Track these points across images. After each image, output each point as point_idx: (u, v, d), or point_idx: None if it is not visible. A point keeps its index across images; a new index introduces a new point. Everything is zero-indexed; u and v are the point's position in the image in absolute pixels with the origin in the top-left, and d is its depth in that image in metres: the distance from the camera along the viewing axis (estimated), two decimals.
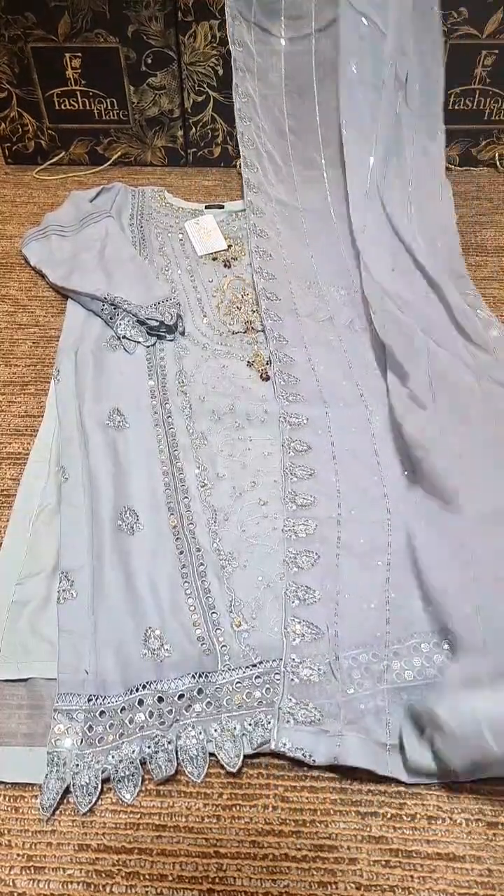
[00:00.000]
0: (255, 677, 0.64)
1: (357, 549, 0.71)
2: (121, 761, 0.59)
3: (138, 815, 0.58)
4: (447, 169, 1.31)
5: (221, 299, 1.02)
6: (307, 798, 0.59)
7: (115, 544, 0.71)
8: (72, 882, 0.55)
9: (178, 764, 0.60)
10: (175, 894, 0.54)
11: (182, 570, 0.70)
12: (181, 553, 0.71)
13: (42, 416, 0.88)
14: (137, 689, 0.62)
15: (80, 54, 1.20)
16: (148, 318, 0.93)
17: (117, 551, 0.71)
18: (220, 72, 1.20)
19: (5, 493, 0.80)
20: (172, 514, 0.75)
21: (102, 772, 0.59)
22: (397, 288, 0.94)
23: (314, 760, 0.59)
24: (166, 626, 0.66)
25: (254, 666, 0.64)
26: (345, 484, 0.77)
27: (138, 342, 0.93)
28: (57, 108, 1.27)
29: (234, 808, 0.58)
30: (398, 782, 0.59)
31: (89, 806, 0.57)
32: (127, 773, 0.59)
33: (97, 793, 0.58)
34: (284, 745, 0.59)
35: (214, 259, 1.09)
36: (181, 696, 0.62)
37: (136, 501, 0.75)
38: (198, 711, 0.62)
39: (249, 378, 0.91)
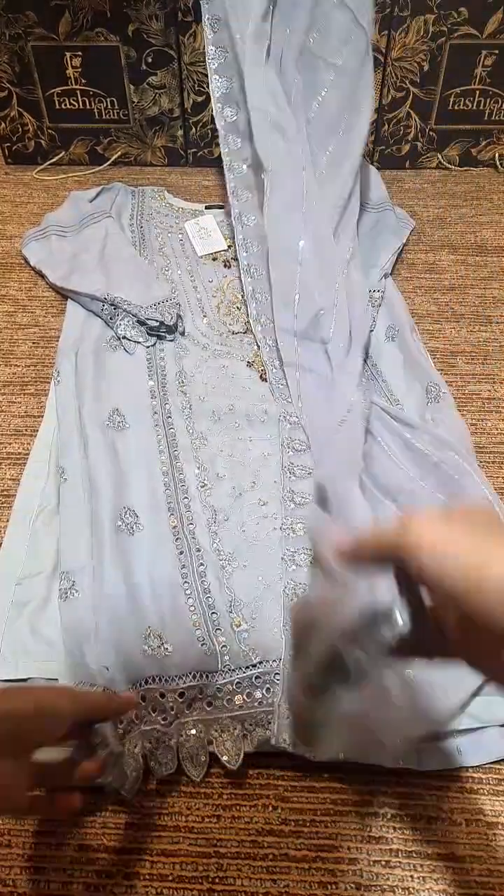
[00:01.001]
0: (255, 678, 0.64)
1: None
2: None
3: (138, 816, 0.58)
4: (447, 169, 1.32)
5: (221, 299, 1.02)
6: (307, 798, 0.59)
7: (115, 544, 0.71)
8: (72, 882, 0.55)
9: (178, 762, 0.60)
10: (175, 894, 0.54)
11: (182, 571, 0.70)
12: (181, 553, 0.71)
13: (42, 417, 0.88)
14: (140, 685, 0.63)
15: (80, 53, 1.20)
16: (148, 319, 0.93)
17: (118, 551, 0.71)
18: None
19: (5, 493, 0.80)
20: (172, 514, 0.75)
21: None
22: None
23: (314, 756, 0.59)
24: (166, 627, 0.66)
25: (253, 666, 0.64)
26: None
27: (138, 342, 0.93)
28: (57, 107, 1.27)
29: (234, 808, 0.58)
30: (398, 782, 0.59)
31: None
32: (129, 769, 0.58)
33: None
34: (284, 741, 0.59)
35: (214, 259, 1.09)
36: (182, 695, 0.62)
37: (135, 502, 0.75)
38: (198, 711, 0.62)
39: (249, 378, 0.91)
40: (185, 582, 0.69)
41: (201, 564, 0.71)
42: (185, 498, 0.77)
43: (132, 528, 0.73)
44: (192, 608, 0.67)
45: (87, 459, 0.79)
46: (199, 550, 0.72)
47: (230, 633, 0.66)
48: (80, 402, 0.85)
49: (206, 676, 0.63)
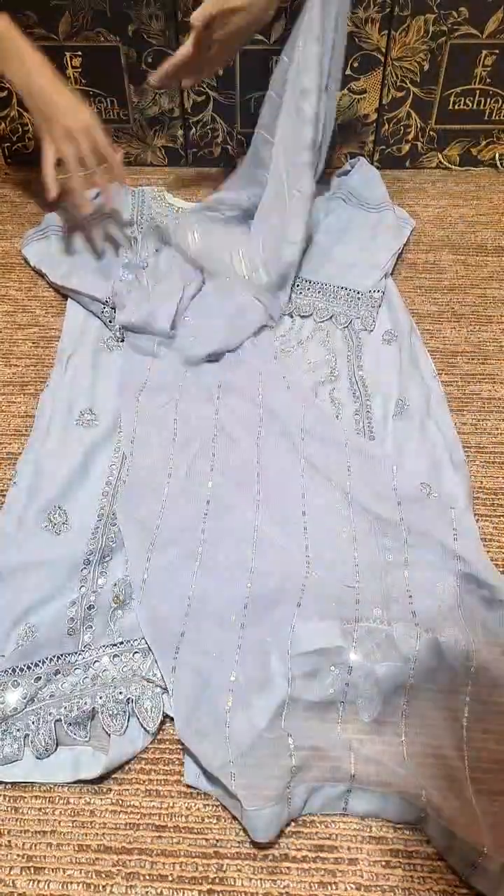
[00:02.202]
0: (113, 656, 0.65)
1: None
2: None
3: (138, 816, 0.58)
4: (447, 169, 1.32)
5: None
6: None
7: (35, 541, 0.73)
8: (71, 883, 0.55)
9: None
10: (175, 895, 0.54)
11: (88, 556, 0.71)
12: (92, 538, 0.72)
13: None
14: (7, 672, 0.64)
15: (80, 53, 1.20)
16: None
17: (37, 546, 0.72)
18: (220, 72, 1.20)
19: (4, 493, 0.79)
20: (103, 508, 0.76)
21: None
22: None
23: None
24: (44, 612, 0.67)
25: (113, 645, 0.66)
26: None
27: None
28: None
29: None
30: None
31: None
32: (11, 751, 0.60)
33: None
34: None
35: None
36: (38, 679, 0.63)
37: (69, 501, 0.76)
38: (72, 684, 0.64)
39: None
40: (85, 567, 0.70)
41: (105, 557, 0.71)
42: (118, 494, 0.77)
43: (59, 528, 0.74)
44: (80, 587, 0.69)
45: (39, 459, 0.80)
46: (109, 553, 0.72)
47: (104, 612, 0.68)
48: (55, 405, 0.86)
49: (65, 657, 0.65)
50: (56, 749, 0.61)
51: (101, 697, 0.62)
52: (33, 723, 0.61)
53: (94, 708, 0.62)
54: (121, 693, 0.62)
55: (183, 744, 0.60)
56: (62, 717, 0.61)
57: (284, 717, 0.60)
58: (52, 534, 0.73)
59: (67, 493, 0.76)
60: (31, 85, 0.91)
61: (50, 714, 0.61)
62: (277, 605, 0.66)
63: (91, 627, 0.67)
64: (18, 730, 0.61)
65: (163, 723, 0.62)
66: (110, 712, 0.61)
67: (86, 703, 0.62)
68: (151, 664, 0.64)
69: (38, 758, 0.60)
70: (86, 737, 0.61)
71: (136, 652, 0.66)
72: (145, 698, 0.62)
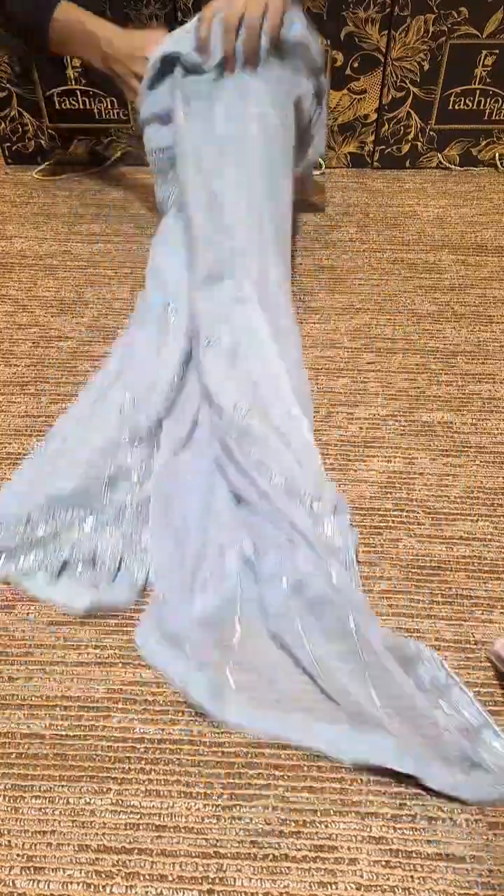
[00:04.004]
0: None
1: None
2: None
3: (138, 816, 0.58)
4: (447, 169, 1.32)
5: None
6: (307, 798, 0.59)
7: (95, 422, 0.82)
8: (71, 882, 0.55)
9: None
10: (175, 895, 0.54)
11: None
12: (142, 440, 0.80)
13: (41, 416, 0.88)
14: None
15: None
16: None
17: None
18: None
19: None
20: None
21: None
22: None
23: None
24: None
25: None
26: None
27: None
28: (57, 107, 1.27)
29: (234, 809, 0.58)
30: (398, 782, 0.59)
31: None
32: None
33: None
34: None
35: None
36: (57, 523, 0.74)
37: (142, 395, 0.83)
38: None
39: None
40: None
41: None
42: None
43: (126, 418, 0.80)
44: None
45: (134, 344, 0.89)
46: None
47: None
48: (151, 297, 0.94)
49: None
50: (60, 576, 0.71)
51: (103, 546, 0.72)
52: (53, 551, 0.72)
53: (95, 554, 0.72)
54: (118, 551, 0.73)
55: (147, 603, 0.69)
56: (72, 556, 0.72)
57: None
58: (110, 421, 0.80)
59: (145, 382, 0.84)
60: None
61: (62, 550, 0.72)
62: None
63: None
64: (35, 554, 0.72)
65: (162, 722, 0.62)
66: (106, 557, 0.72)
67: (94, 546, 0.72)
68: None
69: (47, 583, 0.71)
70: (88, 577, 0.71)
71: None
72: (134, 560, 0.72)
